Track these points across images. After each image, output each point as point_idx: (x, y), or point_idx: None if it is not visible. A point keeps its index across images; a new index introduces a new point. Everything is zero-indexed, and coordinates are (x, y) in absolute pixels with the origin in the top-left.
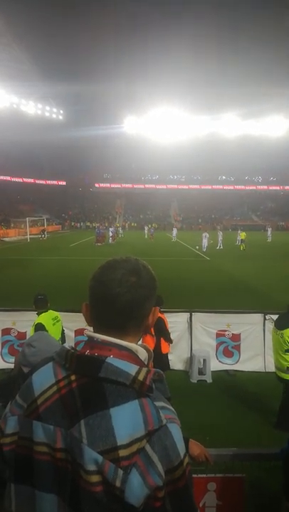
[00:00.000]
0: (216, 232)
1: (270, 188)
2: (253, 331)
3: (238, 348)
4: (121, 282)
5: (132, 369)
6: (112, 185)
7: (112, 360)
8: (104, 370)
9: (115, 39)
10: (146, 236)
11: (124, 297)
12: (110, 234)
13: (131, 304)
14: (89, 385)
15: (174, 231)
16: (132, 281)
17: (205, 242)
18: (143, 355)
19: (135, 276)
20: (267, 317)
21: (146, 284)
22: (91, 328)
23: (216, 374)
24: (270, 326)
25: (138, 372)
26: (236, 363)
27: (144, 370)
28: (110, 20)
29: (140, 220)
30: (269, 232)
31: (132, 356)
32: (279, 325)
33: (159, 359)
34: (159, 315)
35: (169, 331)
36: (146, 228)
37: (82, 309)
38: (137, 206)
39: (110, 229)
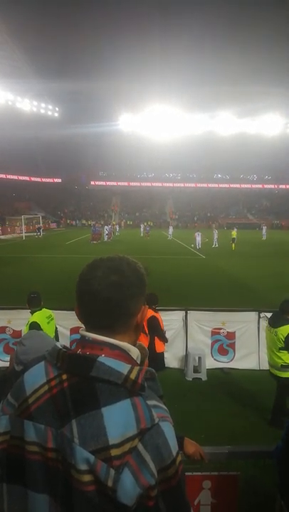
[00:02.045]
0: (212, 230)
1: (265, 186)
2: (248, 329)
3: (232, 346)
4: (101, 280)
5: (123, 368)
6: (108, 183)
7: (103, 359)
8: (95, 369)
9: (111, 37)
10: (141, 234)
11: (103, 295)
12: (106, 232)
13: (110, 302)
14: (80, 384)
15: (170, 229)
16: (111, 279)
17: (198, 240)
18: (135, 353)
19: (116, 275)
20: (261, 315)
21: (130, 283)
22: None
23: (211, 372)
24: (264, 323)
25: (130, 371)
26: (231, 360)
27: (136, 368)
28: (106, 18)
29: (136, 218)
30: (264, 231)
31: (123, 355)
32: (273, 323)
33: (153, 358)
34: (154, 313)
35: (165, 329)
36: (142, 226)
37: (74, 309)
38: (132, 204)
39: (106, 227)
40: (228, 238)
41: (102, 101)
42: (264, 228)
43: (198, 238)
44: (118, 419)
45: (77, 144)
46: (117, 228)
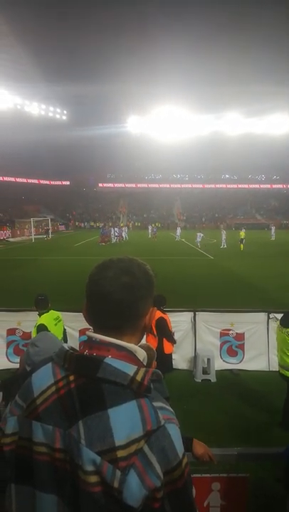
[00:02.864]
0: (220, 231)
1: (274, 186)
2: (257, 330)
3: (242, 347)
4: (112, 281)
5: (130, 369)
6: (116, 185)
7: (110, 360)
8: (102, 370)
9: (118, 39)
10: (149, 236)
11: (115, 296)
12: (116, 234)
13: (121, 303)
14: (87, 385)
15: (178, 230)
16: (123, 280)
17: (198, 240)
18: (142, 355)
19: (127, 276)
20: (271, 316)
21: (140, 284)
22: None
23: (220, 373)
24: (273, 324)
25: (136, 373)
26: (240, 362)
27: (142, 370)
28: (113, 21)
29: (144, 220)
30: (273, 231)
31: (130, 356)
32: (285, 323)
33: (162, 360)
34: (162, 315)
35: (173, 330)
36: (149, 228)
37: (82, 310)
38: (140, 205)
39: (115, 228)
40: (236, 239)
41: (109, 103)
42: (273, 228)
43: (198, 238)
44: (124, 421)
45: (85, 147)
46: (126, 230)
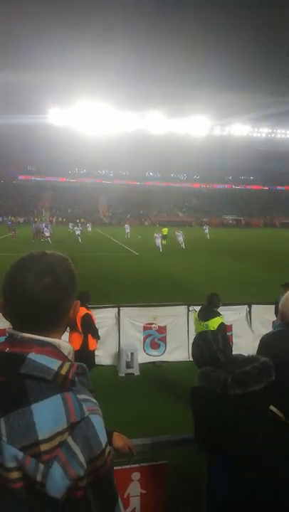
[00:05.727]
0: (175, 231)
1: (194, 185)
2: (178, 323)
3: (164, 339)
4: (33, 284)
5: (54, 364)
6: (37, 178)
7: (33, 356)
8: (25, 366)
9: (41, 28)
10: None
11: (37, 298)
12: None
13: (45, 305)
14: (9, 382)
15: (127, 228)
16: (44, 282)
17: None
18: (66, 349)
19: (49, 277)
20: (190, 308)
21: (62, 284)
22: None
23: (144, 366)
24: (192, 316)
25: (61, 367)
26: (163, 353)
27: (67, 364)
28: (35, 9)
29: (68, 215)
30: (207, 230)
31: (54, 351)
32: (203, 316)
33: (86, 356)
34: (87, 311)
35: (97, 327)
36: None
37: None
38: (64, 200)
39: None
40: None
41: (30, 92)
42: (206, 227)
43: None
44: (48, 415)
45: (3, 136)
46: (50, 226)
